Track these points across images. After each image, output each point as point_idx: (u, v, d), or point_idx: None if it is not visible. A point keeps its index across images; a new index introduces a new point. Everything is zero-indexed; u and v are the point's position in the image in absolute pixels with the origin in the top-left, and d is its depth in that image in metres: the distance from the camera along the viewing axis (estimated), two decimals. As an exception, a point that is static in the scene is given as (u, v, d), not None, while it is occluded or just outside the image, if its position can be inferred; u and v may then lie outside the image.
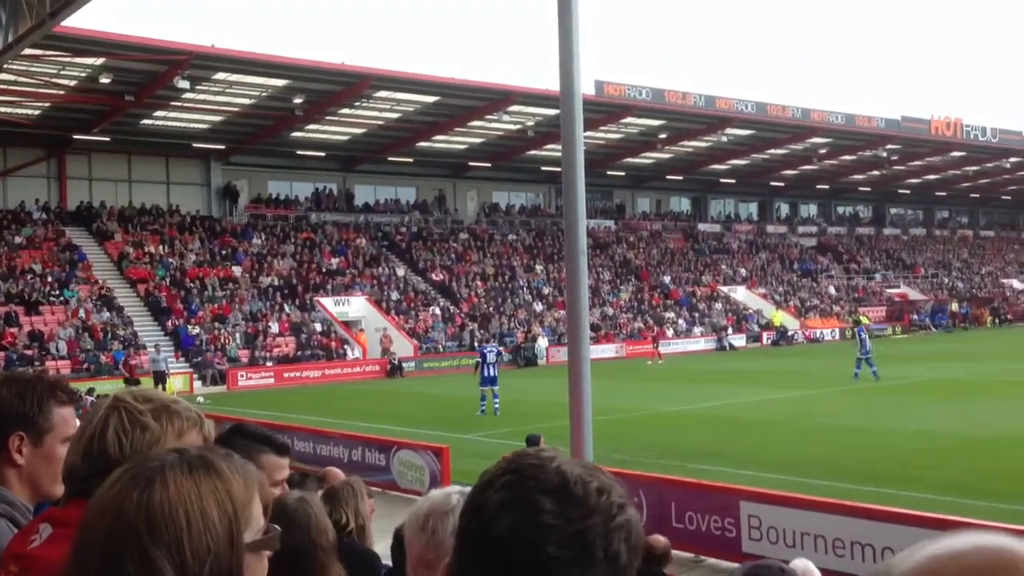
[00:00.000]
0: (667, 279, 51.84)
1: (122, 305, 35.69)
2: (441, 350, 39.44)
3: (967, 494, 12.58)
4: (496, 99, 38.76)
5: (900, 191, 68.07)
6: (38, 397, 2.16)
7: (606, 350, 40.14)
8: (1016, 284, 66.92)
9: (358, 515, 4.37)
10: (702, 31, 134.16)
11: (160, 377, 29.34)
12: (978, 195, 71.83)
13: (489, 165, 49.33)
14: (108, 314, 34.61)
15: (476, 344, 35.52)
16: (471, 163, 49.27)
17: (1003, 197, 73.45)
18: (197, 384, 32.25)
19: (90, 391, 19.92)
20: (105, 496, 1.21)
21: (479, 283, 45.54)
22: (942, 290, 62.41)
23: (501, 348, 32.36)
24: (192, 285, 37.88)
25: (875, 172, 59.57)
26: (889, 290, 60.55)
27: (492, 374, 22.44)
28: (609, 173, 52.61)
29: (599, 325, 42.98)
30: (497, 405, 22.24)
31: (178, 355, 33.98)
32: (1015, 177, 64.32)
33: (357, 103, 38.09)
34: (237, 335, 35.97)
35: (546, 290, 46.65)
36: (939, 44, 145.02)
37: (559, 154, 4.93)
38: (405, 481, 13.66)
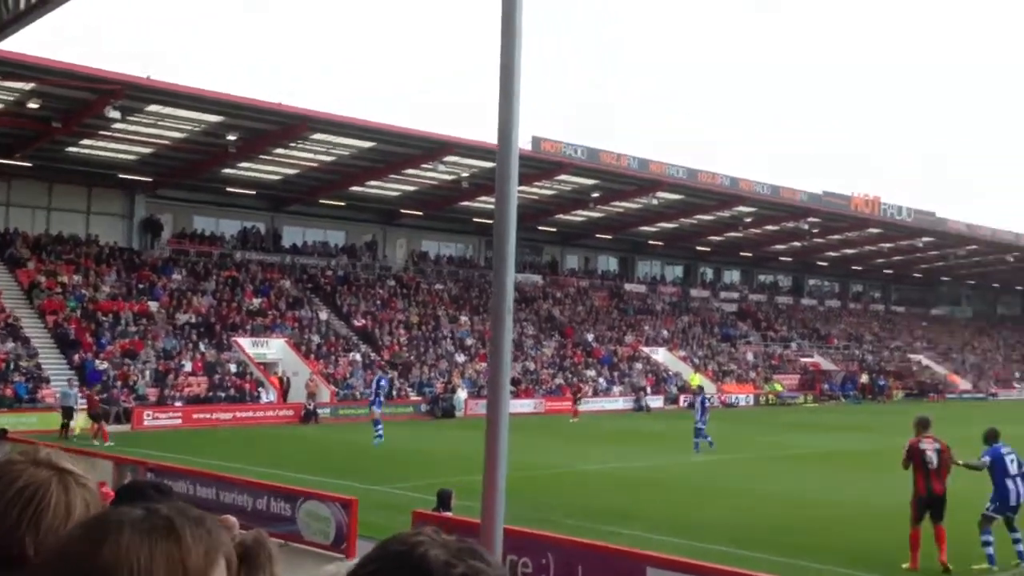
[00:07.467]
0: (590, 336, 52.22)
1: (28, 336, 34.37)
2: (358, 397, 38.88)
3: (867, 567, 12.83)
4: (433, 148, 38.91)
5: (819, 263, 70.21)
6: None
7: (525, 405, 40.09)
8: (923, 359, 69.26)
9: None
10: (635, 97, 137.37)
11: (68, 412, 28.26)
12: (891, 271, 74.56)
13: (421, 214, 49.35)
14: (12, 344, 33.28)
15: (379, 383, 32.52)
16: (403, 211, 49.24)
17: (914, 275, 76.35)
18: (102, 421, 31.01)
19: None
20: (57, 545, 1.18)
21: (402, 331, 45.20)
22: (853, 361, 64.20)
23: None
24: (104, 319, 36.69)
25: (796, 243, 61.39)
26: (803, 359, 61.98)
27: (382, 399, 25.36)
28: (540, 228, 53.11)
29: (519, 379, 42.96)
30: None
31: (83, 390, 32.73)
32: (927, 256, 67.04)
33: (292, 144, 37.83)
34: (147, 372, 34.89)
35: (469, 341, 46.51)
36: (864, 124, 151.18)
37: (491, 206, 4.92)
38: (310, 533, 13.30)
